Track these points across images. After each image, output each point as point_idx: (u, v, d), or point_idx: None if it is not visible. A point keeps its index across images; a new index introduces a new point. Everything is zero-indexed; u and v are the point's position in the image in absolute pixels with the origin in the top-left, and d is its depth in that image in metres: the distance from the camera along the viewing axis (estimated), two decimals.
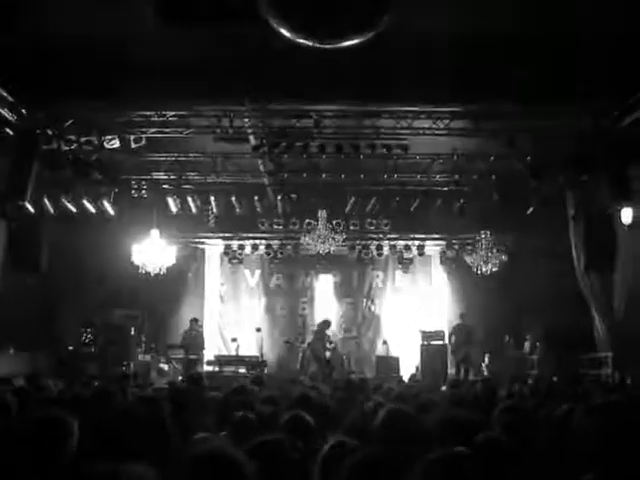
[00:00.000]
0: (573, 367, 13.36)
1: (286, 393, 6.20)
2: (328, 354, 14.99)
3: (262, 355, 15.04)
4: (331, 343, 15.18)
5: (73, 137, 11.25)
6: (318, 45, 4.82)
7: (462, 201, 14.38)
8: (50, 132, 11.13)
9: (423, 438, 3.37)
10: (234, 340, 16.11)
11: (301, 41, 4.77)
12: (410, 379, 14.26)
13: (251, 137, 11.87)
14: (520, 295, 15.17)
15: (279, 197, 14.91)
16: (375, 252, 16.71)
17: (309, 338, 16.11)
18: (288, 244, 16.47)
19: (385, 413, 3.66)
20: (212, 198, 14.61)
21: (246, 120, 11.36)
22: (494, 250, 14.83)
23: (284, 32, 4.89)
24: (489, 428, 3.59)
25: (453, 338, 15.25)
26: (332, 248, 15.45)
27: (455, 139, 12.05)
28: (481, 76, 9.26)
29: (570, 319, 13.67)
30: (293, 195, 14.59)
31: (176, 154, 13.17)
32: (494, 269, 14.89)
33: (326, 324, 15.34)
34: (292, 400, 5.02)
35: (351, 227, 16.03)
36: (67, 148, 11.39)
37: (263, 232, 16.37)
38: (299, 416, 4.00)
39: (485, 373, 14.83)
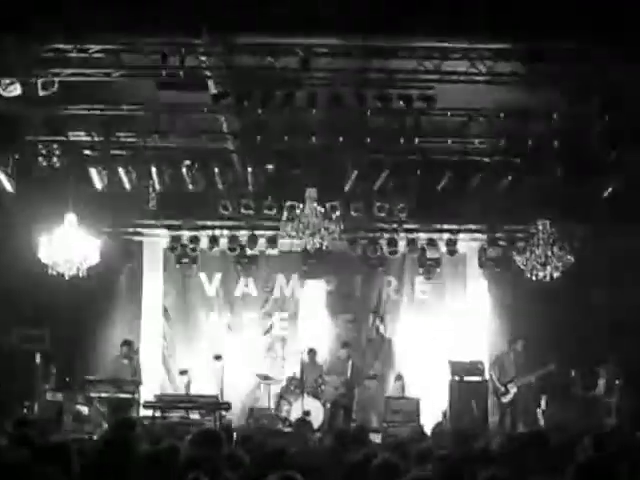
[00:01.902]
0: None
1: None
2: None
3: (223, 394, 15.12)
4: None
5: None
6: None
7: (511, 177, 14.46)
8: None
9: None
10: (183, 373, 16.19)
11: None
12: (435, 429, 14.38)
13: (210, 83, 11.91)
14: (592, 313, 15.29)
15: (249, 169, 14.96)
16: (387, 249, 16.82)
17: (290, 370, 16.24)
18: (261, 236, 16.57)
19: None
20: (154, 169, 14.65)
21: (203, 59, 11.41)
22: (556, 248, 14.91)
23: None
24: None
25: (497, 372, 15.43)
26: (325, 243, 15.53)
27: (502, 89, 12.13)
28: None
29: None
30: (269, 166, 14.63)
31: (102, 106, 13.20)
32: (556, 274, 14.98)
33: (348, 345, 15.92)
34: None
35: (352, 212, 16.09)
36: None
37: (226, 219, 16.47)
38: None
39: (541, 422, 14.97)
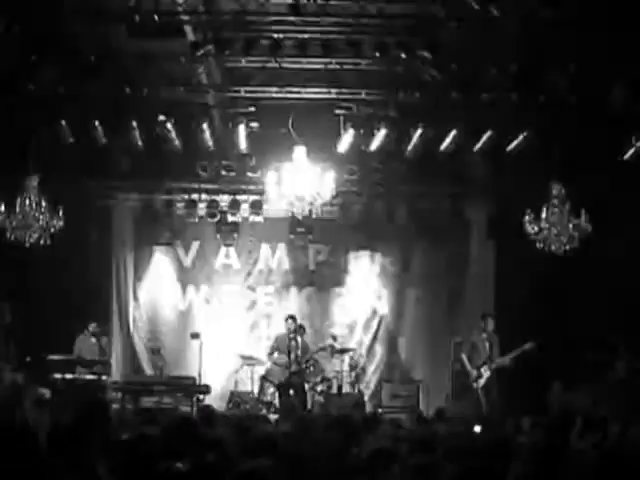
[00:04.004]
0: None
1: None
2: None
3: (201, 376, 15.19)
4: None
5: None
6: None
7: (525, 134, 14.44)
8: None
9: None
10: (157, 352, 16.26)
11: None
12: (436, 415, 14.53)
13: (188, 29, 11.89)
14: (608, 286, 15.34)
15: (231, 125, 14.93)
16: (383, 215, 16.88)
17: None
18: (244, 201, 16.60)
19: None
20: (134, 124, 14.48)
21: (180, 1, 11.38)
22: (572, 215, 14.80)
23: None
24: None
25: (467, 355, 15.51)
26: (316, 206, 15.55)
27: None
28: None
29: None
30: (254, 123, 14.59)
31: None
32: (571, 246, 14.92)
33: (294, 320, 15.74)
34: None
35: (346, 175, 16.08)
36: None
37: (205, 181, 16.46)
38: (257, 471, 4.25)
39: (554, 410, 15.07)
